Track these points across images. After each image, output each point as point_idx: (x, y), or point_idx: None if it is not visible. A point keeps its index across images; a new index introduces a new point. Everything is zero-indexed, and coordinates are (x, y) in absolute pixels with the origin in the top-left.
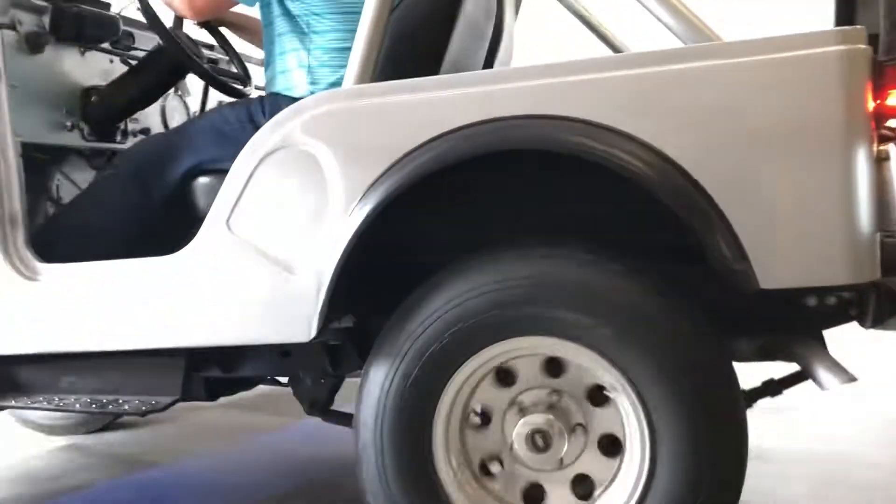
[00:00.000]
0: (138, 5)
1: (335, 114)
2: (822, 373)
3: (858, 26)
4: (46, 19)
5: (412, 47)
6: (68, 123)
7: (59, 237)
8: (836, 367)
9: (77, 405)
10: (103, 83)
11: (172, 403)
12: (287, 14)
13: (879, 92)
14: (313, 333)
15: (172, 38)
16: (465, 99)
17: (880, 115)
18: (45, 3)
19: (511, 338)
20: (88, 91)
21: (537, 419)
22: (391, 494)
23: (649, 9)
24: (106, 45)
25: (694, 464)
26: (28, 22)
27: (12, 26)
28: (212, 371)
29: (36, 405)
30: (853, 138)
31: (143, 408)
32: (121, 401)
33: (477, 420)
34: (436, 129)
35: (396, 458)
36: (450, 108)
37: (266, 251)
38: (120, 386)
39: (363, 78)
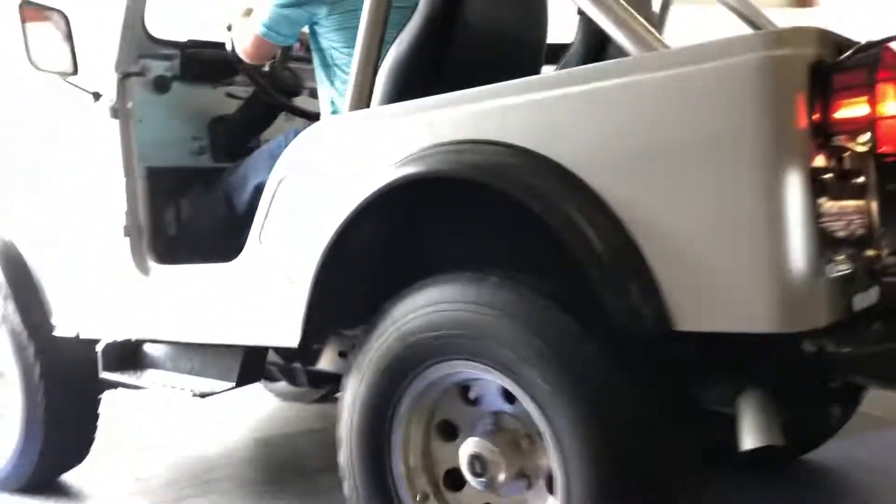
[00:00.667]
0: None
1: (316, 142)
2: (746, 431)
3: (803, 27)
4: (174, 63)
5: (410, 68)
6: (197, 148)
7: (177, 244)
8: (764, 426)
9: (161, 384)
10: (228, 112)
11: (227, 390)
12: (318, 48)
13: (824, 103)
14: (297, 340)
15: (253, 78)
16: (411, 125)
17: (826, 131)
18: (173, 51)
19: (453, 360)
20: (217, 119)
21: (480, 444)
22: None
23: (595, 18)
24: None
25: None
26: (156, 68)
27: (141, 73)
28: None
29: (139, 383)
30: (776, 160)
31: (203, 391)
32: (192, 383)
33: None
34: (387, 157)
35: (363, 474)
36: (398, 136)
37: (279, 262)
38: (200, 369)
39: (358, 105)
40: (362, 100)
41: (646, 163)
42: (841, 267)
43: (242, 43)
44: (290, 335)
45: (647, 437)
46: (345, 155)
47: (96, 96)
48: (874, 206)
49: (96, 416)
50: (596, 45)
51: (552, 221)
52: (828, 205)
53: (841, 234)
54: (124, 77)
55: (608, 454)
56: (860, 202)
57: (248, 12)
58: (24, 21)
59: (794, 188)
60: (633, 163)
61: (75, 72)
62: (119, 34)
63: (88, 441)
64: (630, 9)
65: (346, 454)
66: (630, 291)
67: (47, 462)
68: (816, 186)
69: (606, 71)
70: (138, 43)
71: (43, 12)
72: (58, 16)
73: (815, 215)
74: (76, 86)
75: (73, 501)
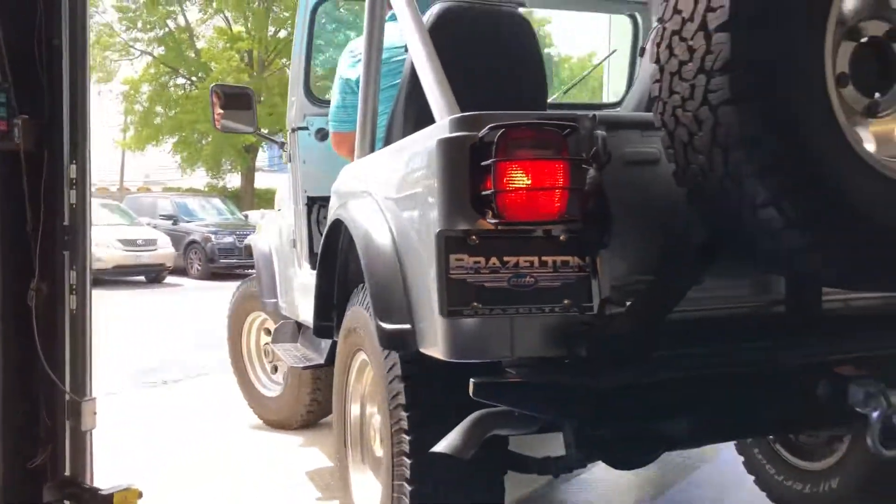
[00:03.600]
0: None
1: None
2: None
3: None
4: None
5: (406, 114)
6: None
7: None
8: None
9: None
10: None
11: (318, 366)
12: None
13: (471, 178)
14: None
15: None
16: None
17: (475, 200)
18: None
19: None
20: None
21: None
22: None
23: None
24: None
25: None
26: (317, 122)
27: (306, 127)
28: None
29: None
30: (436, 220)
31: (301, 364)
32: (299, 355)
33: None
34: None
35: None
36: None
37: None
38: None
39: (362, 154)
40: (364, 149)
41: (403, 206)
42: (489, 312)
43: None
44: None
45: None
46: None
47: (282, 146)
48: (535, 261)
49: None
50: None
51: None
52: (468, 260)
53: (489, 284)
54: (293, 131)
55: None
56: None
57: None
58: (215, 98)
59: (440, 244)
60: (398, 203)
61: (257, 131)
62: (290, 100)
63: None
64: (440, 82)
65: None
66: (393, 313)
67: None
68: (452, 244)
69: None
70: (304, 105)
71: (233, 89)
72: (245, 91)
73: (446, 268)
74: (271, 139)
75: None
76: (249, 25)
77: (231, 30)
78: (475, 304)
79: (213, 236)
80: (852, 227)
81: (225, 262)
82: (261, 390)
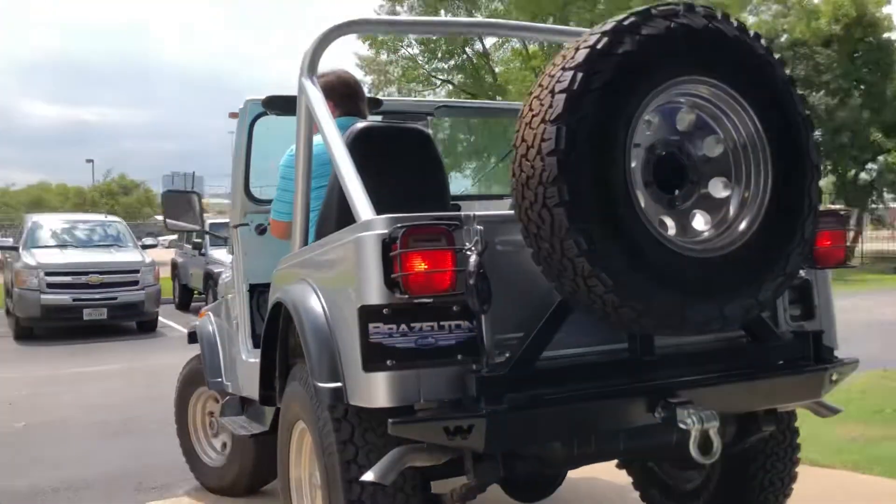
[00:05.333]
0: None
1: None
2: None
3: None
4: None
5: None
6: None
7: None
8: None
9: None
10: None
11: (264, 433)
12: None
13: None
14: None
15: None
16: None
17: (390, 284)
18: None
19: None
20: None
21: None
22: None
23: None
24: None
25: None
26: (257, 219)
27: (246, 224)
28: None
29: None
30: (355, 298)
31: (248, 433)
32: (245, 426)
33: None
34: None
35: None
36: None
37: None
38: None
39: (296, 243)
40: (297, 241)
41: (332, 288)
42: (401, 366)
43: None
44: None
45: None
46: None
47: (226, 241)
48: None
49: None
50: None
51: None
52: (383, 327)
53: (399, 345)
54: (235, 227)
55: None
56: (422, 324)
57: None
58: (164, 203)
59: (361, 315)
60: (328, 285)
61: (202, 228)
62: (233, 200)
63: None
64: (357, 190)
65: None
66: (327, 374)
67: None
68: (370, 315)
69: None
70: (245, 204)
71: (182, 194)
72: (193, 195)
73: (363, 334)
74: (215, 235)
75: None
76: (545, 43)
77: (527, 50)
78: (389, 361)
79: None
80: (653, 292)
81: None
82: (205, 460)
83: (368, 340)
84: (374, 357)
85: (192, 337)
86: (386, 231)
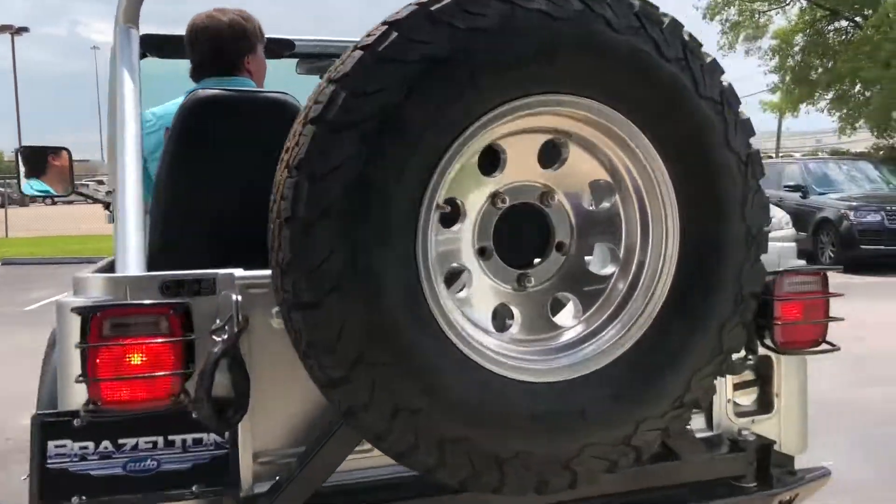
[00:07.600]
0: None
1: None
2: None
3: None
4: None
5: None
6: None
7: None
8: None
9: None
10: None
11: None
12: None
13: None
14: None
15: None
16: None
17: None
18: None
19: None
20: None
21: None
22: None
23: None
24: None
25: None
26: None
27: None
28: None
29: None
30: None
31: None
32: None
33: None
34: None
35: None
36: None
37: None
38: None
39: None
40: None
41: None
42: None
43: None
44: None
45: None
46: None
47: (106, 206)
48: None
49: None
50: None
51: None
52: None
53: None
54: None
55: None
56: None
57: None
58: (22, 160)
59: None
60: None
61: (72, 192)
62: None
63: None
64: None
65: None
66: None
67: None
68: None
69: None
70: None
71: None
72: (62, 152)
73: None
74: (99, 200)
75: None
76: None
77: None
78: (77, 497)
79: (851, 213)
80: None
81: (868, 247)
82: None
83: (46, 465)
84: (52, 493)
85: None
86: (90, 302)
